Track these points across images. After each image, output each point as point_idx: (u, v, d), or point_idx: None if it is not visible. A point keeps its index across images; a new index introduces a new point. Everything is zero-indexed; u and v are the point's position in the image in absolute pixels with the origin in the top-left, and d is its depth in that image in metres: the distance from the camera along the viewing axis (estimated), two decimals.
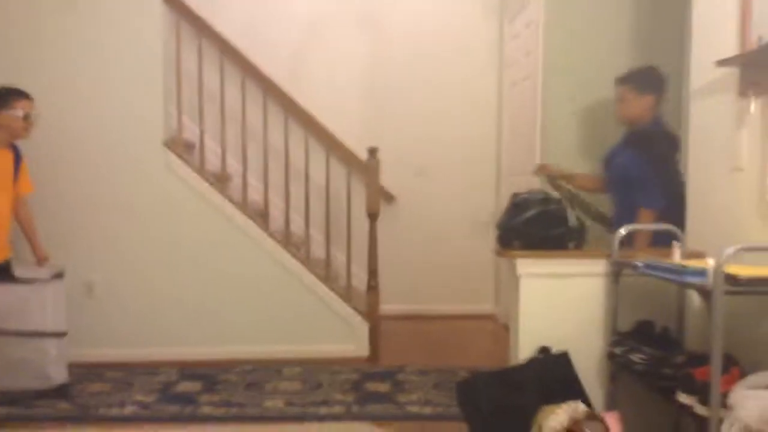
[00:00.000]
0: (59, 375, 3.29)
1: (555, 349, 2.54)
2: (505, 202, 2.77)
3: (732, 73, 2.33)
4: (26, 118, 3.23)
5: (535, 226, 2.54)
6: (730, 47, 2.32)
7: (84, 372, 3.49)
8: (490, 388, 2.45)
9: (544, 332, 2.59)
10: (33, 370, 3.19)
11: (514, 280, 2.64)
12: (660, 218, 2.79)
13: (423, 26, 4.97)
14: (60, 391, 3.24)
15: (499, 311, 4.99)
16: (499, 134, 5.03)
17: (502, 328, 4.76)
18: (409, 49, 4.98)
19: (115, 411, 3.08)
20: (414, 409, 3.15)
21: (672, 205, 2.78)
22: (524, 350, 2.60)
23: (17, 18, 3.79)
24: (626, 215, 2.91)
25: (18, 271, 3.24)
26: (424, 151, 5.05)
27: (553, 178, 3.34)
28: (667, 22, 3.60)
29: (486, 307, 5.14)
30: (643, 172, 2.96)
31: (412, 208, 5.08)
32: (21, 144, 3.38)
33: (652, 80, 3.07)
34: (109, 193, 3.86)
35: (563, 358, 2.49)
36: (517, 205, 2.58)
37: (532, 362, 2.51)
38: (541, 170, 3.46)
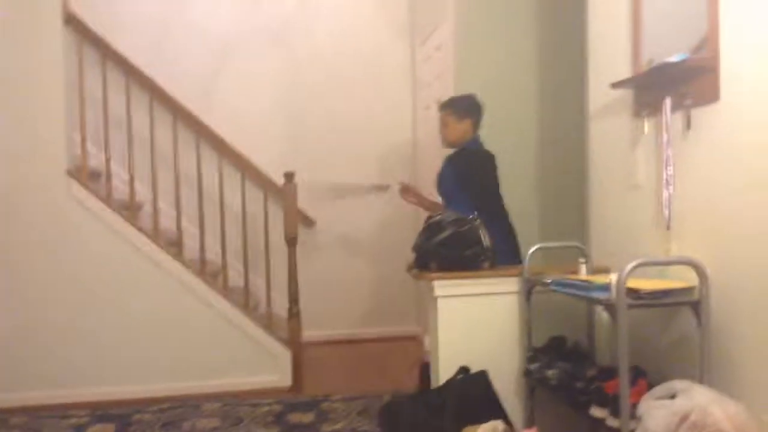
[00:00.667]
0: None
1: (474, 368, 2.56)
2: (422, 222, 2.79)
3: (626, 94, 2.44)
4: None
5: (449, 247, 2.56)
6: (624, 69, 2.43)
7: None
8: (411, 412, 2.44)
9: (463, 352, 2.61)
10: None
11: (432, 301, 2.65)
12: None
13: (336, 47, 4.98)
14: None
15: (422, 331, 5.00)
16: (414, 156, 5.08)
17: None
18: (323, 71, 4.97)
19: None
20: None
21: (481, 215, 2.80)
22: (445, 371, 2.61)
23: None
24: None
25: None
26: (343, 173, 5.03)
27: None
28: (571, 43, 3.75)
29: (409, 328, 5.14)
30: (452, 185, 3.23)
31: (332, 230, 5.05)
32: None
33: (470, 106, 3.32)
34: (9, 226, 3.63)
35: (482, 378, 2.51)
36: (431, 226, 2.61)
37: (451, 383, 2.52)
38: (404, 192, 3.72)
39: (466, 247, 2.58)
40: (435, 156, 4.44)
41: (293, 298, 3.96)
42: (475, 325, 2.64)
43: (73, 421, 3.37)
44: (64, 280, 3.70)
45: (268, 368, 3.87)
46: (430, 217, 2.67)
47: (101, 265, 3.73)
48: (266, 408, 3.51)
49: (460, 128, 3.28)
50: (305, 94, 4.95)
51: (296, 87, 4.93)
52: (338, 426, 3.23)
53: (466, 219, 2.66)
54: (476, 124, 3.31)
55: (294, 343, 3.94)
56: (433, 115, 4.48)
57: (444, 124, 3.34)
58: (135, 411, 3.49)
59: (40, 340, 3.67)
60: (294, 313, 3.96)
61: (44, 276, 3.68)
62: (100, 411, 3.50)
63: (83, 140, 3.79)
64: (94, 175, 3.96)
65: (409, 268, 2.77)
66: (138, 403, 3.60)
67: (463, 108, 3.30)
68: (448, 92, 4.00)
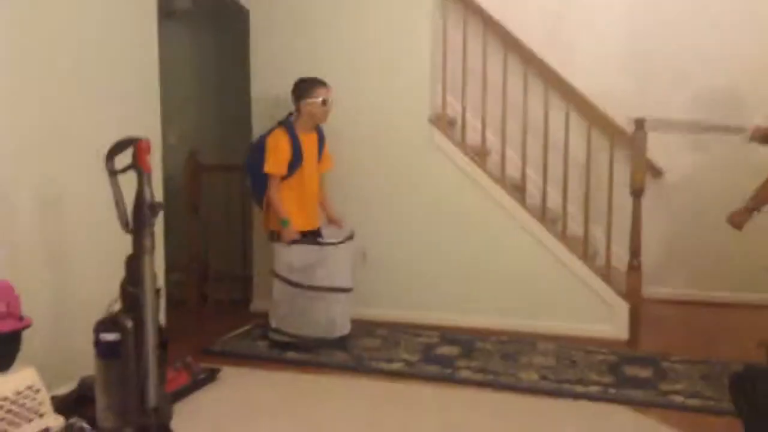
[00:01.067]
0: (344, 327, 3.72)
1: None
2: None
3: None
4: (324, 103, 3.67)
5: None
6: None
7: (357, 327, 3.90)
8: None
9: None
10: (323, 321, 3.65)
11: None
12: None
13: None
14: (340, 342, 3.68)
15: None
16: None
17: None
18: (678, 7, 4.55)
19: (384, 365, 3.42)
20: (678, 399, 2.96)
21: None
22: None
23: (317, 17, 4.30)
24: None
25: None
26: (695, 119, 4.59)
27: None
28: None
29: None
30: None
31: (683, 183, 4.67)
32: None
33: None
34: (379, 166, 4.21)
35: None
36: None
37: None
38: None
39: None
40: None
41: (635, 251, 3.83)
42: None
43: (425, 339, 3.85)
44: (422, 215, 4.19)
45: (603, 319, 3.86)
46: None
47: (453, 203, 4.12)
48: (601, 357, 3.52)
49: None
50: (656, 35, 4.59)
51: (646, 28, 4.61)
52: (678, 387, 3.09)
53: None
54: None
55: (633, 296, 3.83)
56: None
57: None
58: (477, 339, 3.83)
59: (398, 267, 4.24)
60: (635, 266, 3.84)
61: (406, 210, 4.21)
62: (447, 334, 3.93)
63: (444, 91, 4.17)
64: (451, 123, 4.34)
65: None
66: (479, 333, 3.94)
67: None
68: None
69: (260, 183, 3.71)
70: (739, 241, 4.52)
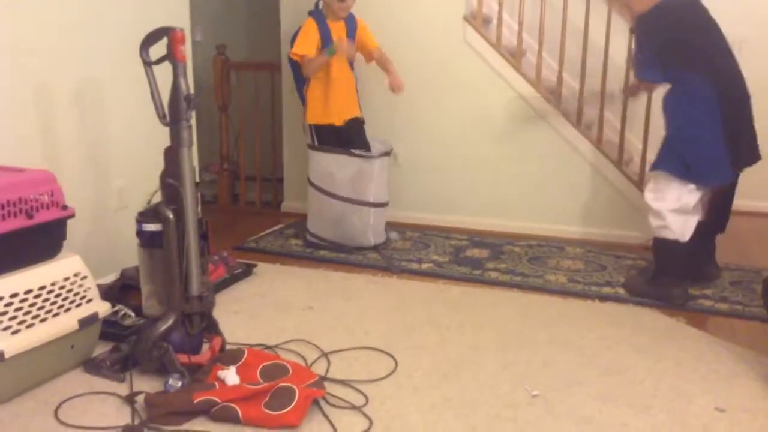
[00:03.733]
0: (378, 236, 3.76)
1: None
2: None
3: None
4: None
5: None
6: None
7: (388, 229, 3.95)
8: None
9: None
10: (357, 231, 3.68)
11: None
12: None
13: None
14: (373, 246, 3.74)
15: None
16: None
17: None
18: None
19: (414, 266, 3.48)
20: (707, 303, 2.98)
21: None
22: None
23: None
24: None
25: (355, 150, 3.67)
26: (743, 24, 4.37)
27: None
28: None
29: None
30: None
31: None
32: None
33: None
34: (412, 64, 4.09)
35: None
36: None
37: None
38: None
39: None
40: None
41: None
42: None
43: (454, 242, 3.90)
44: (454, 117, 4.13)
45: (635, 224, 3.84)
46: None
47: (486, 106, 4.05)
48: (630, 261, 3.54)
49: None
50: None
51: None
52: (707, 291, 3.11)
53: None
54: None
55: None
56: None
57: None
58: (506, 242, 3.87)
59: (430, 169, 4.24)
60: None
61: (438, 112, 4.16)
62: (476, 237, 3.97)
63: None
64: (486, 22, 4.18)
65: None
66: (507, 236, 3.98)
67: None
68: None
69: (302, 77, 3.71)
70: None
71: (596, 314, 2.86)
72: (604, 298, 3.05)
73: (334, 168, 3.64)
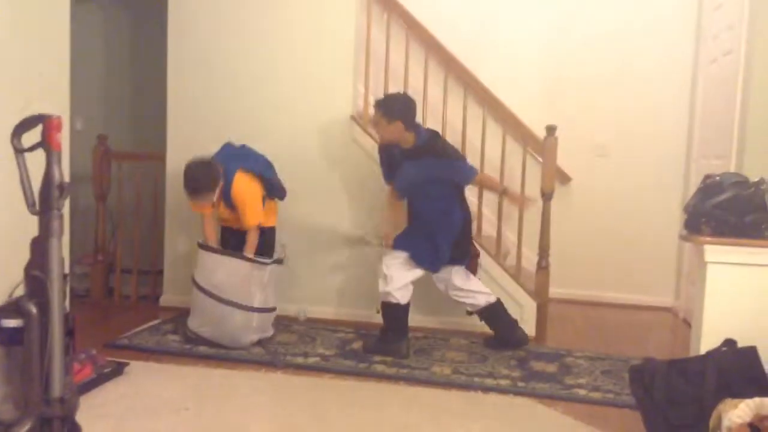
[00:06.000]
0: (260, 334, 3.62)
1: (741, 343, 2.39)
2: (694, 187, 2.64)
3: None
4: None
5: (727, 210, 2.39)
6: None
7: (274, 324, 3.85)
8: (665, 376, 2.37)
9: (731, 324, 2.46)
10: (241, 333, 3.52)
11: (702, 267, 2.51)
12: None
13: None
14: (257, 342, 3.61)
15: (679, 305, 4.71)
16: (692, 113, 4.70)
17: (681, 323, 4.50)
18: (593, 21, 4.84)
19: (300, 360, 3.40)
20: (582, 392, 3.11)
21: None
22: (707, 342, 2.49)
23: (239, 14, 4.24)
24: (429, 203, 3.53)
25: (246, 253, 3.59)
26: (606, 130, 4.89)
27: None
28: None
29: (665, 299, 4.89)
30: (452, 164, 3.56)
31: (589, 189, 4.93)
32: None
33: (396, 107, 3.47)
34: (301, 164, 4.15)
35: (750, 353, 2.33)
36: (709, 187, 2.45)
37: (714, 353, 2.38)
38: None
39: (746, 213, 2.38)
40: (717, 114, 4.11)
41: (543, 252, 4.00)
42: (748, 297, 2.45)
43: (341, 335, 3.87)
44: (341, 212, 4.19)
45: (513, 316, 3.98)
46: (708, 177, 2.50)
47: (372, 200, 4.13)
48: (510, 352, 3.65)
49: (391, 130, 3.50)
50: (573, 46, 4.85)
51: (564, 39, 4.85)
52: (581, 381, 3.25)
53: (748, 182, 2.45)
54: (407, 124, 3.48)
55: (540, 295, 4.00)
56: (719, 69, 4.12)
57: (375, 123, 3.70)
58: None
59: (317, 263, 4.22)
60: (543, 267, 4.01)
61: (326, 208, 4.20)
62: (363, 330, 3.95)
63: (366, 91, 4.19)
64: (372, 123, 4.36)
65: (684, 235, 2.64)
66: None
67: (390, 109, 3.47)
68: (740, 45, 3.64)
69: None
70: (640, 247, 4.87)
71: (480, 405, 2.89)
72: (487, 389, 3.10)
73: (222, 270, 3.53)
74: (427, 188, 3.53)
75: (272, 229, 3.80)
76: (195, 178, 3.42)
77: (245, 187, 3.56)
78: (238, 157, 3.65)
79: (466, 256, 3.67)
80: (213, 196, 3.49)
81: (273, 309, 3.72)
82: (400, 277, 3.53)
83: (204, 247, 3.61)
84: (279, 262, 3.72)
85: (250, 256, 3.57)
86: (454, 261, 3.60)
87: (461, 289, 3.68)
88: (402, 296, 3.54)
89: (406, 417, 2.72)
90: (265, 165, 3.73)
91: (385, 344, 3.55)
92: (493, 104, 4.26)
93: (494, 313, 3.71)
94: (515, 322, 3.73)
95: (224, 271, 3.52)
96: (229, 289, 3.50)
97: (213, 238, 3.72)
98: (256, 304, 3.56)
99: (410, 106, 3.53)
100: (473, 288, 3.69)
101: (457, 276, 3.67)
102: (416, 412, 2.78)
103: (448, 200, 3.52)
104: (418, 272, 3.58)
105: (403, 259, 3.54)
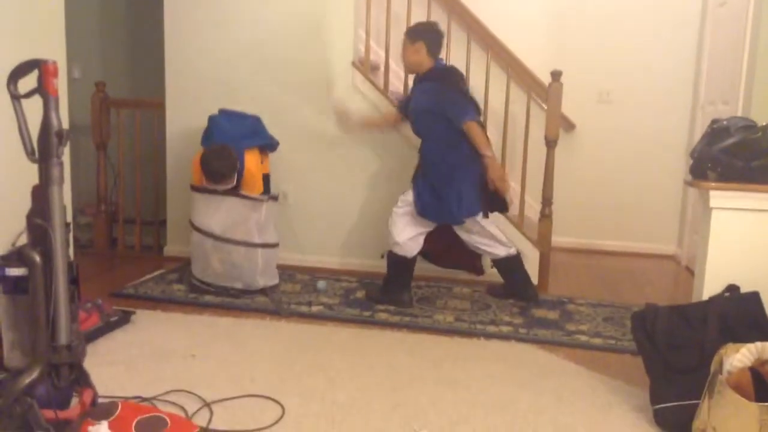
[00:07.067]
0: (269, 278, 3.67)
1: (744, 289, 2.39)
2: (699, 133, 2.60)
3: None
4: None
5: (734, 155, 2.36)
6: None
7: (278, 272, 3.87)
8: (667, 321, 2.38)
9: (734, 270, 2.45)
10: (245, 273, 3.58)
11: (706, 213, 2.50)
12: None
13: None
14: (262, 290, 3.64)
15: (682, 253, 4.72)
16: (699, 58, 4.62)
17: (684, 270, 4.52)
18: None
19: (304, 308, 3.43)
20: (583, 338, 3.14)
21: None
22: (710, 288, 2.49)
23: None
24: (437, 146, 3.41)
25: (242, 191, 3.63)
26: (611, 76, 4.82)
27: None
28: None
29: (668, 247, 4.90)
30: (450, 95, 3.36)
31: (594, 137, 4.89)
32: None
33: (420, 29, 3.44)
34: (302, 110, 4.13)
35: (752, 298, 2.34)
36: (716, 132, 2.41)
37: (716, 299, 2.39)
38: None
39: (753, 157, 2.35)
40: (725, 59, 4.02)
41: (546, 200, 3.98)
42: (753, 243, 2.44)
43: (345, 284, 3.89)
44: (343, 161, 4.17)
45: None
46: (715, 121, 2.46)
47: (374, 150, 4.11)
48: (512, 300, 3.67)
49: (413, 51, 3.42)
50: None
51: None
52: (582, 327, 3.28)
53: (756, 126, 2.41)
54: (429, 46, 3.41)
55: (543, 244, 4.00)
56: (728, 11, 4.02)
57: (402, 49, 3.51)
58: None
59: (319, 213, 4.23)
60: (546, 215, 3.99)
61: (327, 155, 4.17)
62: (365, 279, 3.98)
63: (367, 36, 4.11)
64: (374, 69, 4.29)
65: (688, 180, 2.60)
66: None
67: (415, 32, 3.43)
68: None
69: None
70: (644, 194, 4.86)
71: (481, 352, 2.93)
72: (488, 335, 3.13)
73: (218, 209, 3.56)
74: (432, 124, 3.39)
75: (267, 176, 3.84)
76: (220, 173, 3.49)
77: (255, 166, 3.69)
78: (243, 134, 3.70)
79: (481, 207, 3.44)
80: (234, 180, 3.57)
81: (275, 245, 3.73)
82: (407, 229, 3.48)
83: (197, 189, 3.62)
84: (274, 198, 3.73)
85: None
86: (469, 212, 3.42)
87: (480, 238, 3.53)
88: (409, 249, 3.50)
89: (409, 363, 2.75)
90: (262, 133, 3.83)
91: (387, 294, 3.55)
92: (497, 49, 4.16)
93: (511, 266, 3.62)
94: (529, 278, 3.67)
95: (221, 211, 3.56)
96: (228, 228, 3.55)
97: None
98: (256, 240, 3.60)
99: (436, 32, 3.43)
100: (494, 237, 3.54)
101: (474, 225, 3.49)
102: (419, 358, 2.81)
103: (453, 145, 3.37)
104: (427, 223, 3.51)
105: (411, 210, 3.49)
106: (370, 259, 4.13)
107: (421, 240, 3.53)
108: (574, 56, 4.68)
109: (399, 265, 3.53)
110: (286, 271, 3.99)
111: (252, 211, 3.60)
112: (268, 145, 3.85)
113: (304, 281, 3.91)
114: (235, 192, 3.58)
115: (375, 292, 3.61)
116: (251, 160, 3.67)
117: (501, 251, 3.59)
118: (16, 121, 2.07)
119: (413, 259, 3.55)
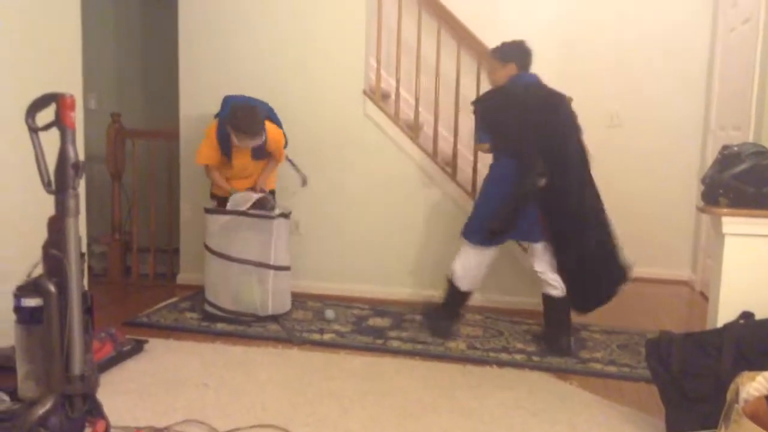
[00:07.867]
0: (281, 305, 3.70)
1: (759, 315, 2.37)
2: (711, 159, 2.60)
3: None
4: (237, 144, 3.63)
5: (745, 181, 2.35)
6: None
7: (321, 307, 3.88)
8: (682, 349, 2.35)
9: (749, 296, 2.43)
10: (256, 297, 3.61)
11: (719, 239, 2.48)
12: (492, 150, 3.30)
13: None
14: (273, 317, 3.65)
15: (696, 278, 4.68)
16: (709, 84, 4.62)
17: (698, 295, 4.47)
18: None
19: (316, 336, 3.42)
20: (597, 366, 3.11)
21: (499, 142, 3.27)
22: (724, 314, 2.47)
23: None
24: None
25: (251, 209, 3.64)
26: (621, 101, 4.84)
27: None
28: None
29: (682, 272, 4.86)
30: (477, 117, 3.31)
31: (605, 162, 4.83)
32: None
33: (510, 49, 3.34)
34: (314, 138, 4.17)
35: None
36: (727, 158, 2.41)
37: (731, 326, 2.36)
38: None
39: (765, 183, 2.34)
40: (735, 84, 4.03)
41: None
42: (767, 269, 2.42)
43: (356, 311, 3.88)
44: (355, 187, 4.20)
45: (528, 291, 3.97)
46: (726, 147, 2.46)
47: (385, 176, 4.14)
48: (525, 327, 3.65)
49: (504, 72, 3.33)
50: (587, 16, 4.79)
51: (578, 9, 4.78)
52: (597, 355, 3.24)
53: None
54: (520, 68, 3.32)
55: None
56: (738, 37, 4.03)
57: (489, 69, 3.45)
58: (407, 311, 3.88)
59: (330, 239, 4.24)
60: None
61: (339, 182, 4.21)
62: (377, 307, 3.97)
63: (378, 65, 4.16)
64: (384, 97, 4.34)
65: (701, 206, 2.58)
66: (408, 305, 3.99)
67: (506, 53, 3.33)
68: (759, 11, 3.55)
69: None
70: (655, 219, 4.83)
71: (494, 380, 2.91)
72: (501, 363, 3.11)
73: (231, 230, 3.59)
74: (493, 135, 3.27)
75: (272, 192, 3.92)
76: (253, 121, 3.51)
77: (278, 134, 3.78)
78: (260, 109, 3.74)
79: (511, 230, 3.24)
80: (263, 136, 3.61)
81: (287, 268, 3.75)
82: (464, 258, 3.34)
83: (210, 211, 3.69)
84: (285, 216, 3.74)
85: (266, 189, 3.79)
86: (509, 235, 3.29)
87: (536, 272, 3.33)
88: (463, 281, 3.35)
89: (422, 391, 2.73)
90: (276, 119, 3.91)
91: (436, 320, 3.47)
92: None
93: (556, 308, 3.34)
94: (568, 330, 3.31)
95: (233, 230, 3.59)
96: (240, 248, 3.58)
97: (226, 185, 3.81)
98: (268, 261, 3.61)
99: (525, 51, 3.37)
100: (549, 274, 3.29)
101: (534, 253, 3.33)
102: (432, 386, 2.79)
103: (499, 160, 3.25)
104: (486, 251, 3.32)
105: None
106: (382, 286, 4.13)
107: (476, 273, 3.36)
108: (584, 81, 4.69)
109: (450, 293, 3.41)
110: (297, 298, 4.00)
111: (264, 228, 3.61)
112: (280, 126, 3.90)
113: (315, 309, 3.91)
114: (243, 211, 3.59)
115: (429, 311, 3.53)
116: (272, 129, 3.71)
117: (552, 291, 3.33)
118: (34, 153, 2.11)
119: (466, 294, 3.43)
